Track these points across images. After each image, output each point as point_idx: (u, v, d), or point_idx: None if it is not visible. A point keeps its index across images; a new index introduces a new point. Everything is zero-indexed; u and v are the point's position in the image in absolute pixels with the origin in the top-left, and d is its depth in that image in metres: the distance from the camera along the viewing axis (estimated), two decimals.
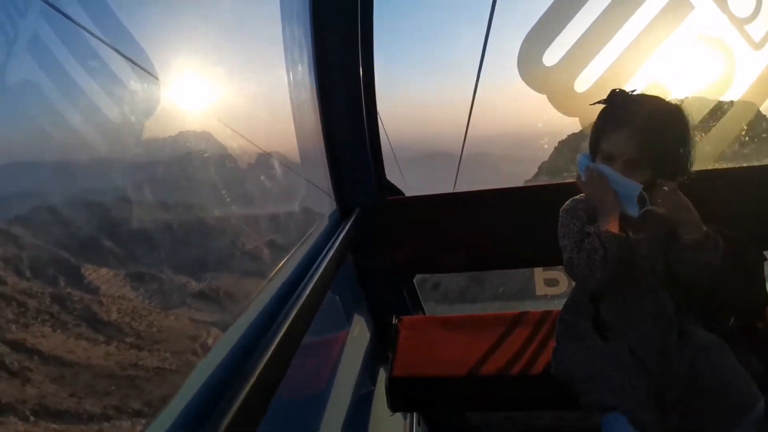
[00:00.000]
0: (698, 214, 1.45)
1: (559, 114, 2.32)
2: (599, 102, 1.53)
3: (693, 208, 1.44)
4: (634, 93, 1.48)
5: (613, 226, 1.43)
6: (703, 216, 1.47)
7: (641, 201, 1.41)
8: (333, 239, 1.96)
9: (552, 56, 2.23)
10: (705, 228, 1.44)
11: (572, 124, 2.21)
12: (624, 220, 1.47)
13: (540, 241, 2.07)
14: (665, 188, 1.43)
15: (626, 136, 1.42)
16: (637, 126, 1.40)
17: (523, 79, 2.24)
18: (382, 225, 2.40)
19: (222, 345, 1.09)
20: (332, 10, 2.05)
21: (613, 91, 1.50)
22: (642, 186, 1.42)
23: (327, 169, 2.29)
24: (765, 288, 1.61)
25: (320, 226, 2.19)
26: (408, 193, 2.48)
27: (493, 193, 2.34)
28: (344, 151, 2.29)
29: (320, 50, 2.13)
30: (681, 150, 1.43)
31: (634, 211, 1.44)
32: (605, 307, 1.55)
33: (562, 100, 2.28)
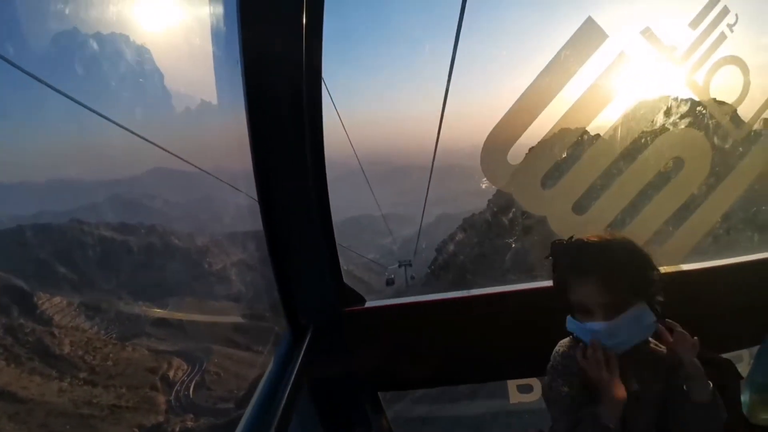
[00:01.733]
0: (687, 310, 1.44)
1: (533, 127, 2.16)
2: (547, 257, 1.42)
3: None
4: (573, 239, 1.38)
5: (615, 411, 1.24)
6: (691, 313, 1.43)
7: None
8: (287, 372, 1.69)
9: None
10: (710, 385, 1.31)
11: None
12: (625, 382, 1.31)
13: (514, 351, 1.92)
14: (676, 330, 1.35)
15: (595, 285, 1.30)
16: (602, 271, 1.31)
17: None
18: (341, 341, 2.13)
19: None
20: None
21: (554, 243, 1.40)
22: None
23: (274, 283, 2.02)
24: (742, 413, 1.53)
25: (270, 356, 1.91)
26: (370, 299, 2.22)
27: (462, 300, 2.13)
28: (294, 259, 2.02)
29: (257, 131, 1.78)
30: (650, 271, 1.35)
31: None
32: None
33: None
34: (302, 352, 1.85)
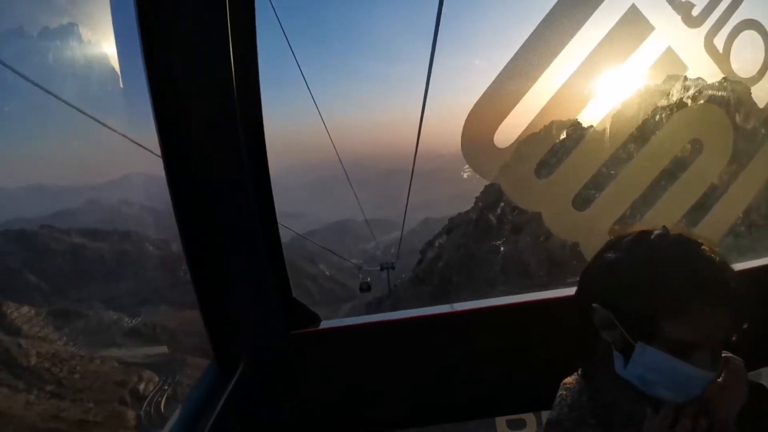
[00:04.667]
0: None
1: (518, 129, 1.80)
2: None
3: None
4: (680, 237, 0.95)
5: None
6: None
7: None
8: (202, 419, 1.25)
9: None
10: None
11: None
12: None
13: (505, 380, 1.62)
14: (734, 363, 0.96)
15: (726, 319, 0.89)
16: (738, 300, 0.90)
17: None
18: (286, 374, 1.68)
19: None
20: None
21: (644, 237, 0.96)
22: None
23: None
24: None
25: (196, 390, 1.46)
26: (326, 318, 1.78)
27: (441, 318, 1.72)
28: (221, 267, 1.56)
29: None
30: None
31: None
32: None
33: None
34: (228, 391, 1.41)
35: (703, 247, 0.91)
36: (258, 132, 1.46)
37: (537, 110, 1.72)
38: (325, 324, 1.70)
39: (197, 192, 1.42)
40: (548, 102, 1.71)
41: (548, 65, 1.67)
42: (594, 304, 0.96)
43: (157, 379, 40.37)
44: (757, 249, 1.86)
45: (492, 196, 23.24)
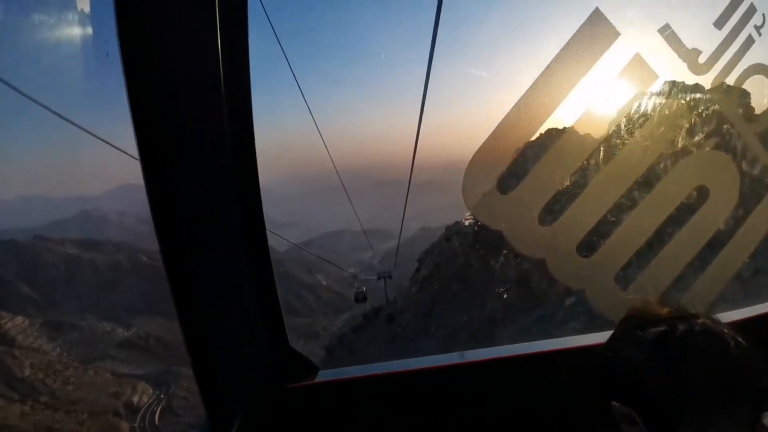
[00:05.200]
0: None
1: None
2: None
3: None
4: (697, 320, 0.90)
5: None
6: None
7: None
8: None
9: None
10: None
11: None
12: None
13: None
14: None
15: (748, 423, 0.84)
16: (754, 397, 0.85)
17: None
18: (286, 427, 1.61)
19: None
20: None
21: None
22: None
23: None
24: None
25: None
26: (327, 367, 1.72)
27: (446, 370, 1.65)
28: (212, 315, 1.49)
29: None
30: None
31: None
32: None
33: None
34: None
35: (731, 345, 0.87)
36: (252, 182, 1.38)
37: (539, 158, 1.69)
38: (324, 375, 1.63)
39: (185, 236, 1.34)
40: (548, 153, 1.69)
41: (555, 105, 1.64)
42: (613, 403, 0.92)
43: (151, 391, 40.02)
44: None
45: None
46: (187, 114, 1.23)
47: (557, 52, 1.58)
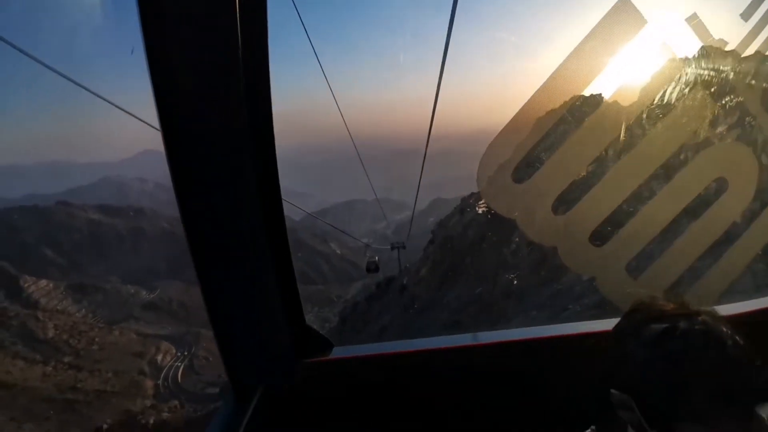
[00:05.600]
0: None
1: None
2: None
3: None
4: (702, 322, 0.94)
5: None
6: None
7: None
8: None
9: None
10: None
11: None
12: None
13: (520, 417, 1.56)
14: None
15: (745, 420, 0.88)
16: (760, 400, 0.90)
17: None
18: (299, 406, 1.71)
19: None
20: None
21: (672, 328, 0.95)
22: None
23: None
24: None
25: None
26: (340, 344, 1.80)
27: (457, 351, 1.71)
28: (233, 295, 1.56)
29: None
30: None
31: None
32: None
33: None
34: (245, 422, 1.44)
35: (728, 344, 0.90)
36: (271, 163, 1.40)
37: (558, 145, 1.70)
38: (338, 352, 1.71)
39: (209, 215, 1.37)
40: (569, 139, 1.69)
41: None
42: (612, 390, 0.97)
43: (174, 350, 41.52)
44: None
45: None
46: (207, 94, 1.23)
47: (586, 30, 1.57)
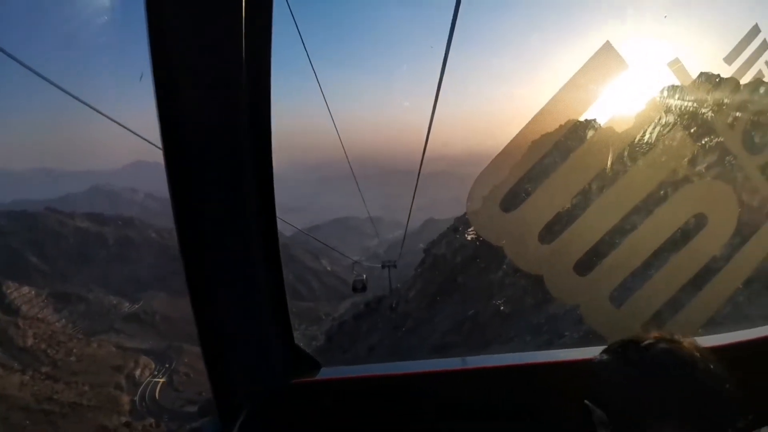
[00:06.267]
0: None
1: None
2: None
3: None
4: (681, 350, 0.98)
5: None
6: None
7: None
8: None
9: None
10: None
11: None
12: None
13: None
14: None
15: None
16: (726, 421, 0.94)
17: None
18: (286, 425, 1.70)
19: None
20: None
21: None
22: None
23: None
24: None
25: None
26: (328, 364, 1.79)
27: (446, 375, 1.72)
28: (223, 311, 1.56)
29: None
30: None
31: None
32: None
33: None
34: None
35: (699, 369, 0.94)
36: (267, 183, 1.42)
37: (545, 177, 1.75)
38: (326, 372, 1.70)
39: (203, 235, 1.38)
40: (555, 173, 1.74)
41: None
42: (586, 401, 1.01)
43: (153, 365, 40.54)
44: None
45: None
46: (208, 105, 1.26)
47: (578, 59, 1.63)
